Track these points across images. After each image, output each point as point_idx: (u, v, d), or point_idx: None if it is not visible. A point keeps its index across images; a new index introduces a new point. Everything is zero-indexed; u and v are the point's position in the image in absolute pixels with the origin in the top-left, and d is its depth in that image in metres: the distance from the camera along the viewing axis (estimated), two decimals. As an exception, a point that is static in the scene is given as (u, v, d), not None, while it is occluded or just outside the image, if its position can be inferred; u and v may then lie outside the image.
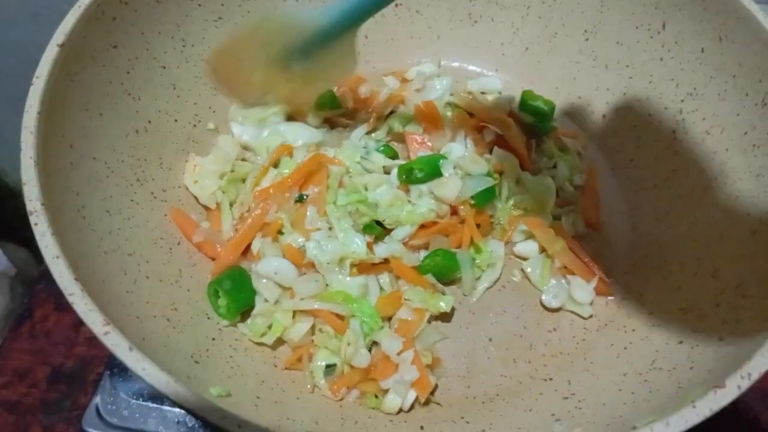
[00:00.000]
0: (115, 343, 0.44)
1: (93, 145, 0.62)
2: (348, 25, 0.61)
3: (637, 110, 0.77)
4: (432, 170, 0.71)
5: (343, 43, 0.63)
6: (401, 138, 0.78)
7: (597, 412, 0.57)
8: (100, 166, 0.62)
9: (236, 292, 0.64)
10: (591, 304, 0.69)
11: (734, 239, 0.63)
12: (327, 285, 0.65)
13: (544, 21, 0.83)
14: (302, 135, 0.75)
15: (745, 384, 0.45)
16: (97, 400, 0.70)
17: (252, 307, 0.66)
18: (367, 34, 0.86)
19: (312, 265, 0.65)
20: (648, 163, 0.76)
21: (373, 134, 0.80)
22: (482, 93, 0.84)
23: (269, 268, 0.65)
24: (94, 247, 0.56)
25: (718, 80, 0.69)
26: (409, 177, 0.71)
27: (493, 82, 0.84)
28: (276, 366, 0.63)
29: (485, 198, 0.71)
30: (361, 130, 0.79)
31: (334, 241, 0.66)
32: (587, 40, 0.81)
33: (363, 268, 0.67)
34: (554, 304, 0.69)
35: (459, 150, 0.76)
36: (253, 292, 0.66)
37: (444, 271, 0.69)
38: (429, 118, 0.77)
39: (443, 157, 0.73)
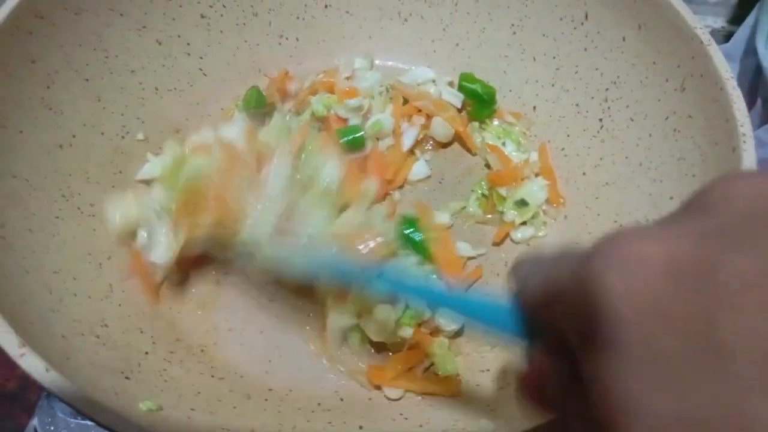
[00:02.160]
0: (31, 365, 0.44)
1: (12, 163, 0.61)
2: None
3: (565, 101, 0.79)
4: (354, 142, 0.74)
5: None
6: (326, 123, 0.79)
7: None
8: (20, 183, 0.61)
9: None
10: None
11: (659, 223, 0.64)
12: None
13: (472, 17, 0.84)
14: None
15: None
16: (35, 421, 0.68)
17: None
18: (298, 37, 0.86)
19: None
20: (577, 152, 0.77)
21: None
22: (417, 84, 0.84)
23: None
24: (16, 266, 0.55)
25: (639, 67, 0.70)
26: None
27: (425, 72, 0.84)
28: (213, 376, 0.62)
29: None
30: (284, 110, 0.81)
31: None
32: (514, 33, 0.82)
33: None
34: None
35: (387, 120, 0.77)
36: None
37: None
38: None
39: (357, 128, 0.76)
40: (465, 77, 0.81)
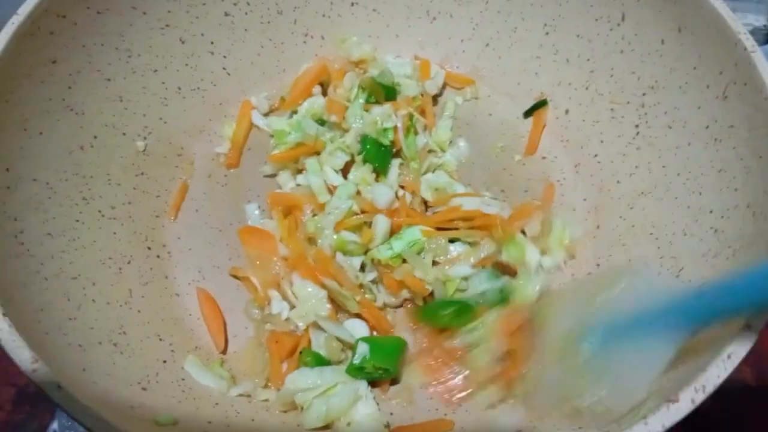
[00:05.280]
0: (44, 381, 0.43)
1: (33, 166, 0.60)
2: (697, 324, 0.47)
3: (599, 105, 0.76)
4: None
5: (659, 350, 0.48)
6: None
7: (559, 421, 0.55)
8: (41, 187, 0.60)
9: None
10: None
11: (697, 237, 0.61)
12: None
13: (503, 15, 0.81)
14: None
15: (700, 397, 0.43)
16: (55, 425, 0.68)
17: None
18: (324, 35, 0.84)
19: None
20: (611, 159, 0.74)
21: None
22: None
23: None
24: (33, 273, 0.55)
25: (678, 72, 0.67)
26: None
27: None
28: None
29: None
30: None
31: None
32: (547, 34, 0.79)
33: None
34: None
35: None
36: None
37: None
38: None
39: None
40: None
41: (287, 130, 0.76)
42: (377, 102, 0.76)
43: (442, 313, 0.63)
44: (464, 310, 0.63)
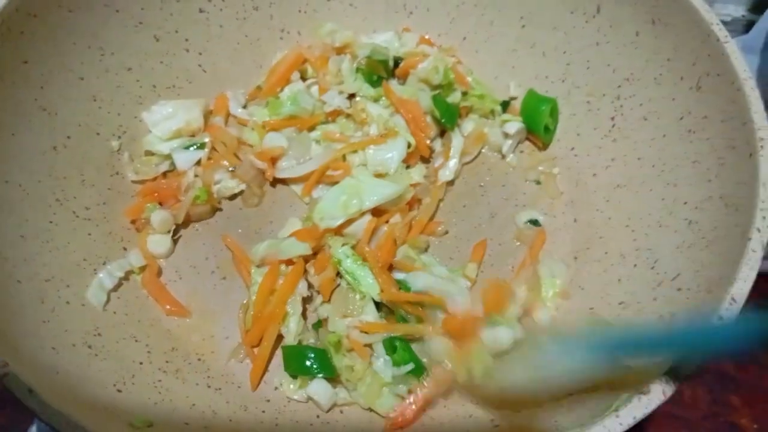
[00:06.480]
0: (14, 385, 0.43)
1: (5, 168, 0.59)
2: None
3: (576, 97, 0.76)
4: None
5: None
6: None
7: (534, 415, 0.55)
8: (13, 189, 0.59)
9: None
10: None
11: (672, 229, 0.61)
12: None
13: (480, 9, 0.81)
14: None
15: (670, 390, 0.43)
16: (34, 428, 0.67)
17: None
18: (300, 30, 0.83)
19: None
20: (588, 151, 0.74)
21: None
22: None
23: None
24: (6, 276, 0.54)
25: (653, 64, 0.67)
26: None
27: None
28: (209, 387, 0.61)
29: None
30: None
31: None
32: (524, 27, 0.79)
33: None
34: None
35: None
36: None
37: None
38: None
39: None
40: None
41: (282, 102, 0.77)
42: (381, 78, 0.79)
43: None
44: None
